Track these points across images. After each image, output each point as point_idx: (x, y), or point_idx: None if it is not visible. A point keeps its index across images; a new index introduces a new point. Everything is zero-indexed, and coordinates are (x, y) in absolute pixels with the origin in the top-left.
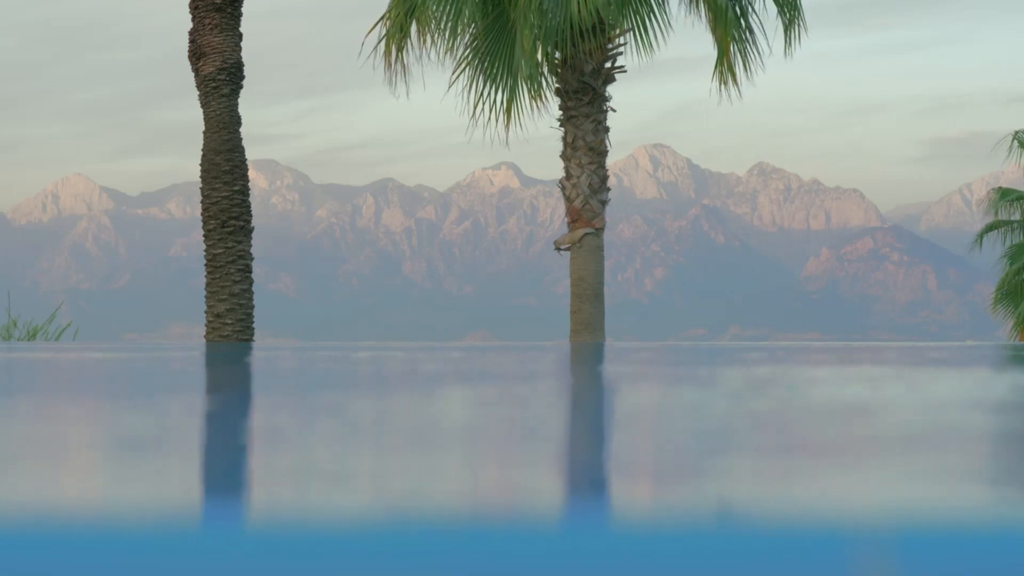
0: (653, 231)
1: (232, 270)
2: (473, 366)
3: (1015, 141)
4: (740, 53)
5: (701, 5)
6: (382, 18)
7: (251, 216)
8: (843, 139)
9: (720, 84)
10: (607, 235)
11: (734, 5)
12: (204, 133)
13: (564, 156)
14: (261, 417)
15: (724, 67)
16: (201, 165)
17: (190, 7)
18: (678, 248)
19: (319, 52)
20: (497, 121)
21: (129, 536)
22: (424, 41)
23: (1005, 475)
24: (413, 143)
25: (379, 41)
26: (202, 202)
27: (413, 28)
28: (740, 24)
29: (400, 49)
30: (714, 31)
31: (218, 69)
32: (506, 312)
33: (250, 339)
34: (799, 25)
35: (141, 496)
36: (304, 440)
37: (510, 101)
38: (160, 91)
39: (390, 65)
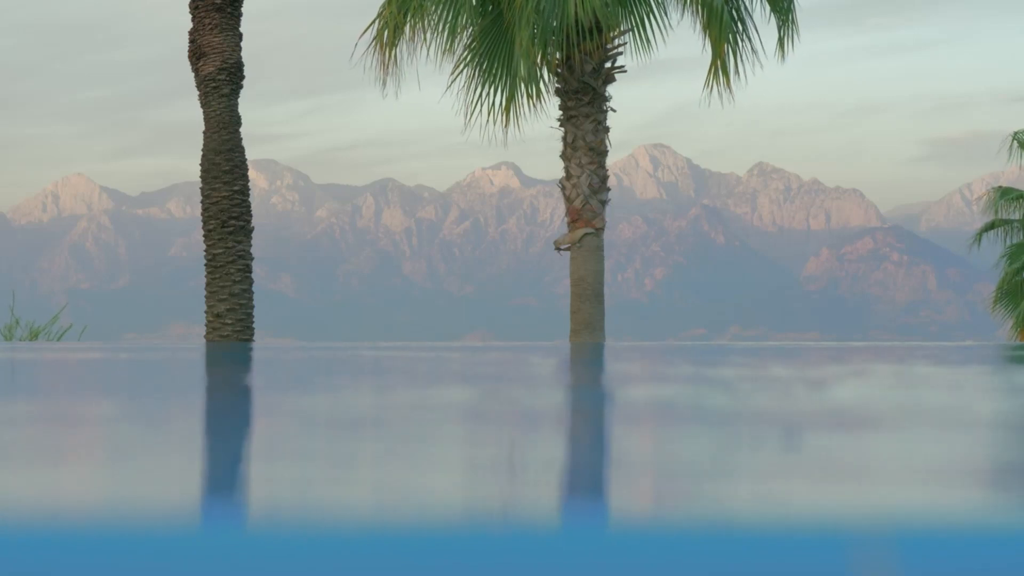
0: (653, 231)
1: (232, 270)
2: (473, 366)
3: (1015, 142)
4: (734, 54)
5: (696, 6)
6: (377, 17)
7: (251, 216)
8: (843, 139)
9: (713, 85)
10: (607, 235)
11: (730, 7)
12: (204, 133)
13: (564, 156)
14: (260, 417)
15: (718, 68)
16: (201, 165)
17: (190, 7)
18: (678, 248)
19: (319, 52)
20: (496, 122)
21: (129, 536)
22: (414, 39)
23: (1004, 475)
24: (413, 143)
25: (372, 41)
26: (202, 202)
27: (409, 27)
28: (735, 26)
29: (393, 47)
30: (708, 32)
31: (218, 69)
32: (506, 312)
33: (250, 339)
34: (793, 28)
35: (140, 496)
36: (303, 440)
37: (509, 101)
38: (160, 91)
39: (385, 65)
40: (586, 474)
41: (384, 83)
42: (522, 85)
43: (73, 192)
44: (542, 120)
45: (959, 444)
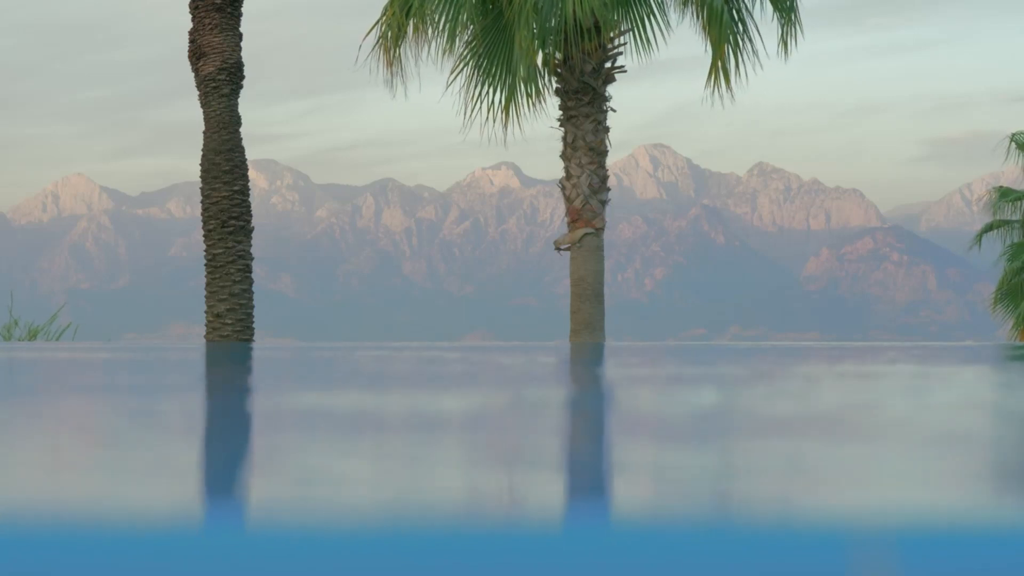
0: (653, 231)
1: (232, 270)
2: (473, 366)
3: (1012, 143)
4: (734, 54)
5: (697, 6)
6: (380, 18)
7: (251, 216)
8: (843, 139)
9: (714, 85)
10: (607, 235)
11: (730, 7)
12: (204, 133)
13: (564, 156)
14: (260, 417)
15: (718, 68)
16: (201, 165)
17: (190, 7)
18: (678, 248)
19: (319, 52)
20: (495, 121)
21: (128, 536)
22: (417, 40)
23: (1004, 475)
24: (413, 143)
25: (377, 41)
26: (202, 202)
27: (411, 28)
28: (735, 26)
29: (396, 47)
30: (708, 32)
31: (218, 69)
32: (506, 312)
33: (250, 339)
34: (795, 27)
35: (139, 496)
36: (303, 440)
37: (508, 101)
38: (160, 91)
39: (388, 65)
40: (585, 475)
41: (390, 84)
42: (522, 85)
43: (73, 192)
44: (542, 120)
45: (959, 444)
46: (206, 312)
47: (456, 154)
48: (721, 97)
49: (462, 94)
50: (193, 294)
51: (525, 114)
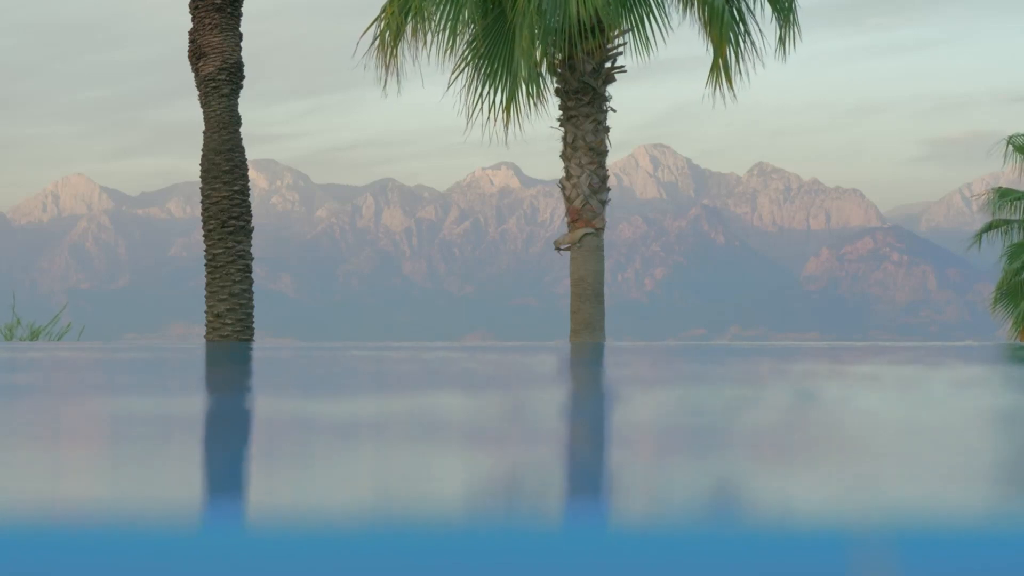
0: (653, 231)
1: (232, 270)
2: (473, 366)
3: (1010, 145)
4: (735, 54)
5: (697, 5)
6: (378, 17)
7: (251, 216)
8: (843, 139)
9: (715, 85)
10: (607, 235)
11: (731, 6)
12: (204, 133)
13: (564, 156)
14: (259, 417)
15: (719, 68)
16: (201, 165)
17: (190, 7)
18: (678, 248)
19: (319, 52)
20: (496, 121)
21: (129, 536)
22: (418, 39)
23: (1003, 475)
24: (413, 143)
25: (374, 40)
26: (202, 202)
27: (410, 28)
28: (736, 26)
29: (394, 47)
30: (709, 32)
31: (218, 69)
32: (506, 312)
33: (250, 339)
34: (794, 28)
35: (139, 496)
36: (302, 441)
37: (509, 101)
38: (160, 91)
39: (386, 65)
40: (584, 476)
41: (385, 83)
42: (522, 85)
43: (73, 192)
44: (542, 120)
45: (959, 444)
46: (206, 312)
47: (456, 154)
48: (723, 96)
49: (463, 94)
50: (193, 294)
51: (525, 114)
